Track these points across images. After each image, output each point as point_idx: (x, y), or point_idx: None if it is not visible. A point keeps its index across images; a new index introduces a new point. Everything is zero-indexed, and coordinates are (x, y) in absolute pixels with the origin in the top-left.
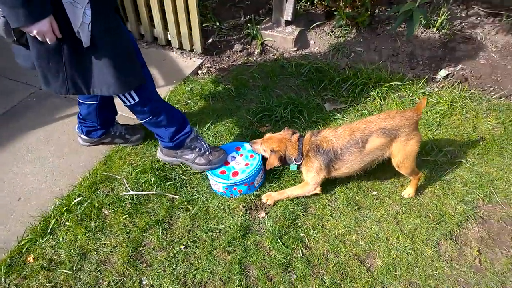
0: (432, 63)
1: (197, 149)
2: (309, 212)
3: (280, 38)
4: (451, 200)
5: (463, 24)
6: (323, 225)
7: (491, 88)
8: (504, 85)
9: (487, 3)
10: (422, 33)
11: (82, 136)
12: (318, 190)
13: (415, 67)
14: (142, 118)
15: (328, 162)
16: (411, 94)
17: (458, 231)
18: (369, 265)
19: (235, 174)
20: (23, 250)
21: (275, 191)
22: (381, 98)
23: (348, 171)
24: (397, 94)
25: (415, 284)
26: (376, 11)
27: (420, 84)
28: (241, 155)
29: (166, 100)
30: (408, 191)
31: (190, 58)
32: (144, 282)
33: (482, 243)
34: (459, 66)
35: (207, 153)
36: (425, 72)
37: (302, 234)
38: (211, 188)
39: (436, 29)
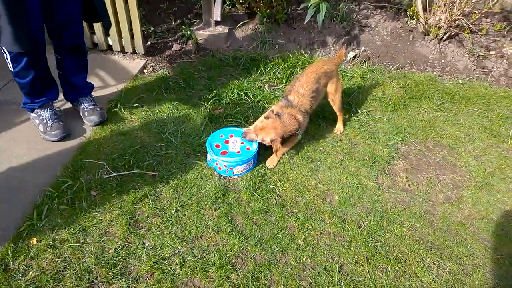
0: (343, 45)
1: (41, 117)
2: (273, 169)
3: (212, 37)
4: (379, 146)
5: (358, 16)
6: (287, 177)
7: (389, 63)
8: (398, 59)
9: None
10: (329, 25)
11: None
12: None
13: (329, 52)
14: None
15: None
16: None
17: (389, 166)
18: (329, 200)
19: (224, 153)
20: (24, 236)
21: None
22: None
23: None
24: None
25: (367, 207)
26: (289, 9)
27: None
28: (242, 143)
29: (122, 96)
30: (339, 127)
31: (134, 60)
32: (146, 244)
33: (407, 173)
34: (362, 48)
35: (48, 123)
36: (337, 55)
37: (272, 186)
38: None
39: (339, 21)
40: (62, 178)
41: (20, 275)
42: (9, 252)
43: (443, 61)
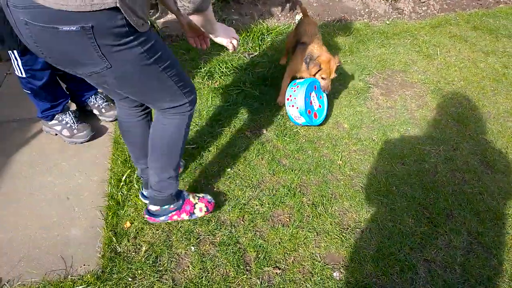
0: (288, 12)
1: (63, 122)
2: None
3: (173, 23)
4: (355, 82)
5: None
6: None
7: (328, 19)
8: (334, 15)
9: None
10: None
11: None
12: None
13: (278, 19)
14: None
15: None
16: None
17: (369, 95)
18: (342, 129)
19: (315, 115)
20: (115, 223)
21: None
22: (275, 40)
23: None
24: (281, 36)
25: (370, 126)
26: None
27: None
28: (311, 94)
29: None
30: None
31: None
32: (223, 199)
33: (384, 96)
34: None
35: (73, 126)
36: (286, 19)
37: (295, 130)
38: (293, 122)
39: None
40: (115, 170)
41: (133, 253)
42: (113, 239)
43: (367, 10)
